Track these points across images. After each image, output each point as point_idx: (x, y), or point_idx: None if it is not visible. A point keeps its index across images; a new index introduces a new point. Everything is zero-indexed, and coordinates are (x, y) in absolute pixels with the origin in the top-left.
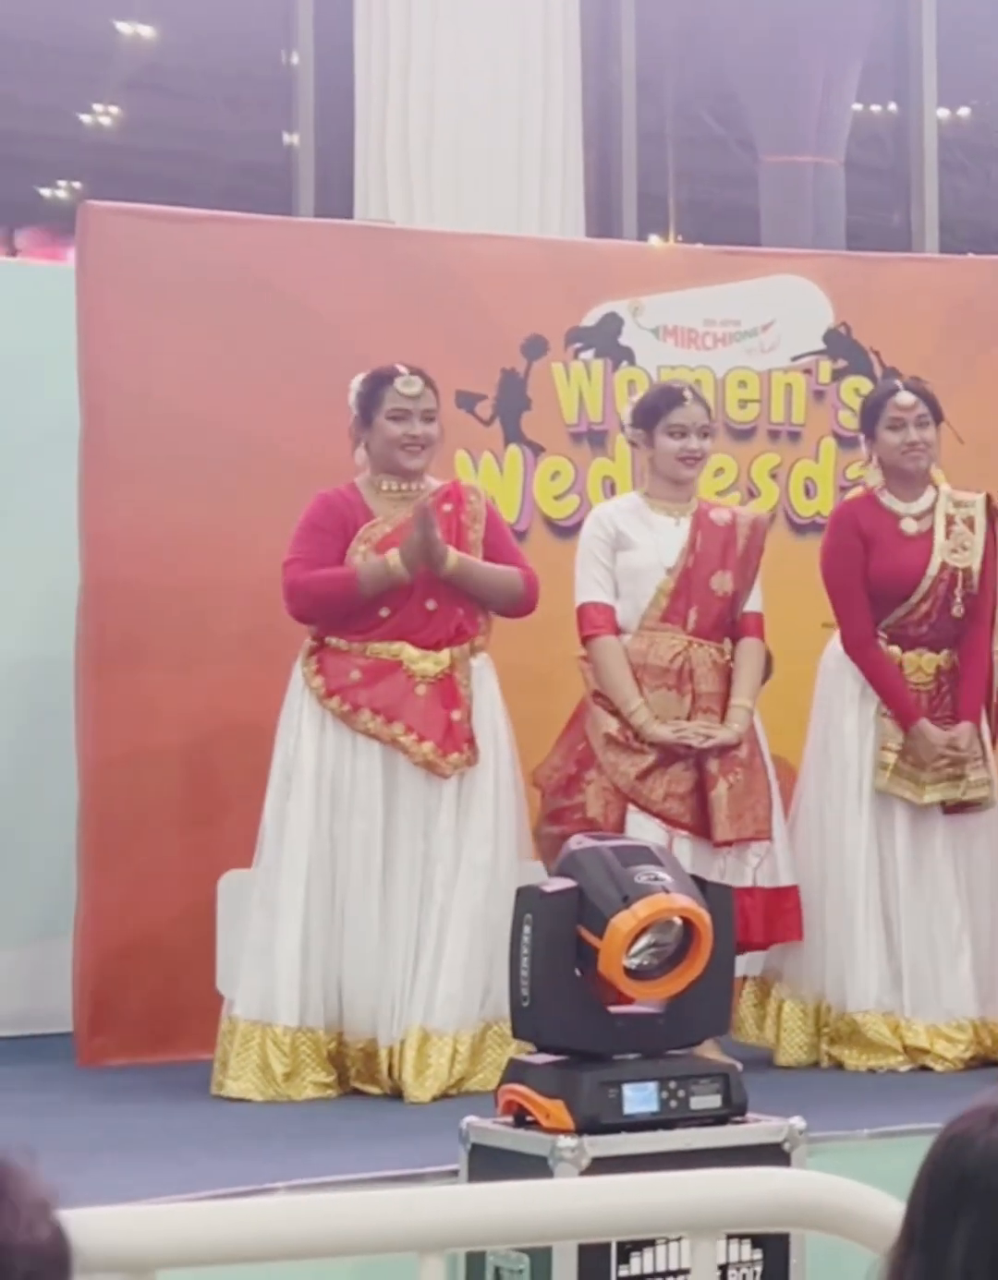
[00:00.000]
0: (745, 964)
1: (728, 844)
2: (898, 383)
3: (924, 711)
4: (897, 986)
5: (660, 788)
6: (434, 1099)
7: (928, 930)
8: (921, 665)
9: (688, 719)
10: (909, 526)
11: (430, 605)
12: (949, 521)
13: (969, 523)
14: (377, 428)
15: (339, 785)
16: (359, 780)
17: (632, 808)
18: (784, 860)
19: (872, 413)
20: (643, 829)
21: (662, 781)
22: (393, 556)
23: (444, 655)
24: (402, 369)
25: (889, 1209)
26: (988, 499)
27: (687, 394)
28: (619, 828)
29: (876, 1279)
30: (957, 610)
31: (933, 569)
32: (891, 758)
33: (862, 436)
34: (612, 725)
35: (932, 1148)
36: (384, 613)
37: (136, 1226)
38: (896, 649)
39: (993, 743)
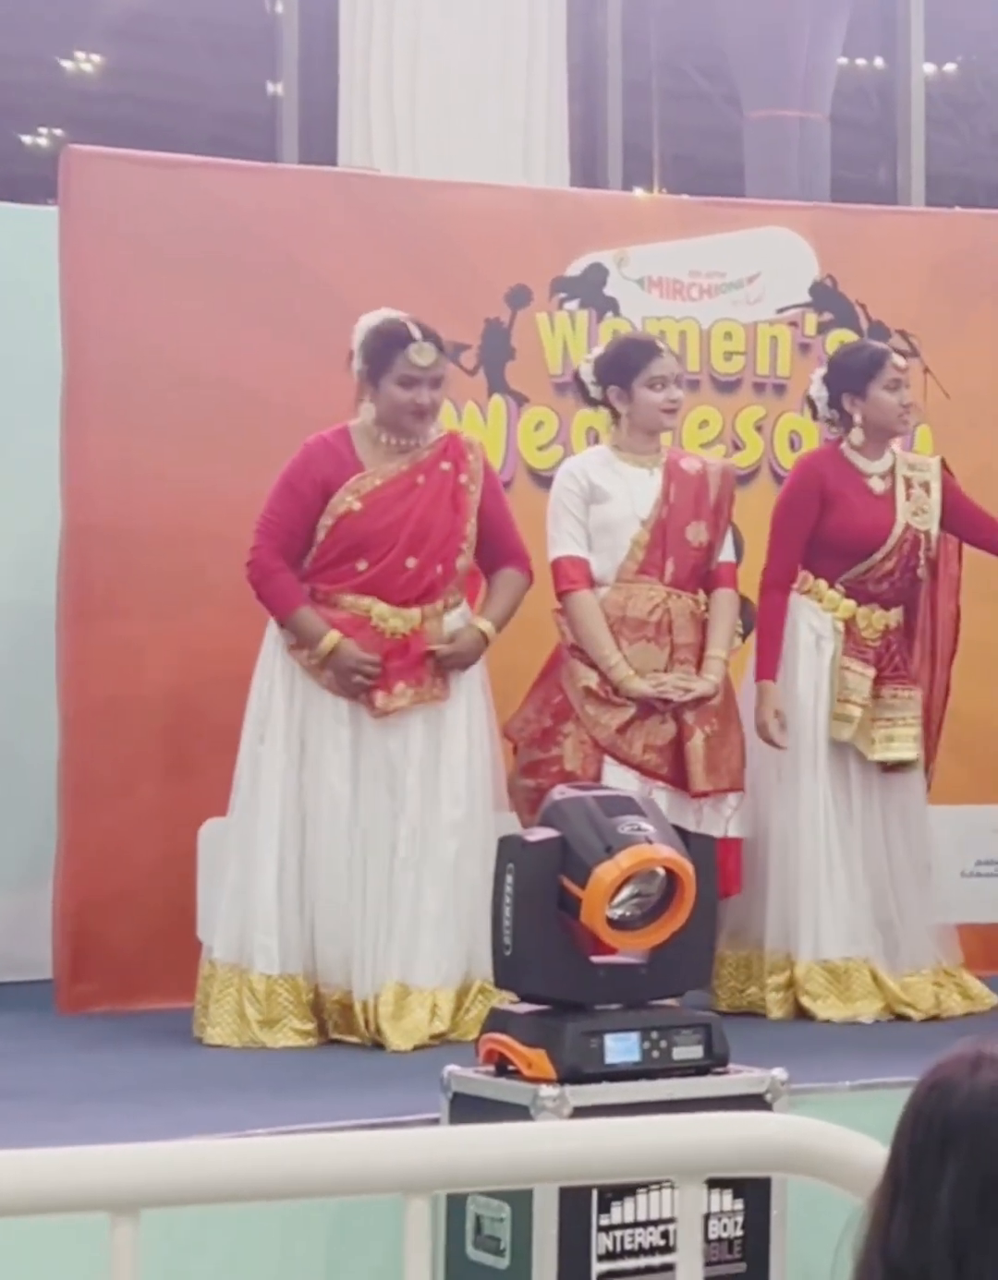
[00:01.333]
0: None
1: (704, 795)
2: (885, 344)
3: (875, 668)
4: (867, 935)
5: (640, 740)
6: (416, 1049)
7: (890, 879)
8: (872, 621)
9: (666, 671)
10: (877, 485)
11: (410, 563)
12: (908, 484)
13: (926, 486)
14: (384, 392)
15: (308, 737)
16: (326, 734)
17: (610, 760)
18: (744, 813)
19: (865, 371)
20: (621, 781)
21: (641, 734)
22: (330, 642)
23: (414, 613)
24: (415, 333)
25: (874, 1154)
26: (943, 463)
27: (660, 345)
28: (597, 780)
29: (858, 1226)
30: (921, 570)
31: (898, 529)
32: (855, 711)
33: (840, 394)
34: (591, 679)
35: (914, 1094)
36: (362, 566)
37: (123, 1165)
38: (850, 602)
39: (946, 700)
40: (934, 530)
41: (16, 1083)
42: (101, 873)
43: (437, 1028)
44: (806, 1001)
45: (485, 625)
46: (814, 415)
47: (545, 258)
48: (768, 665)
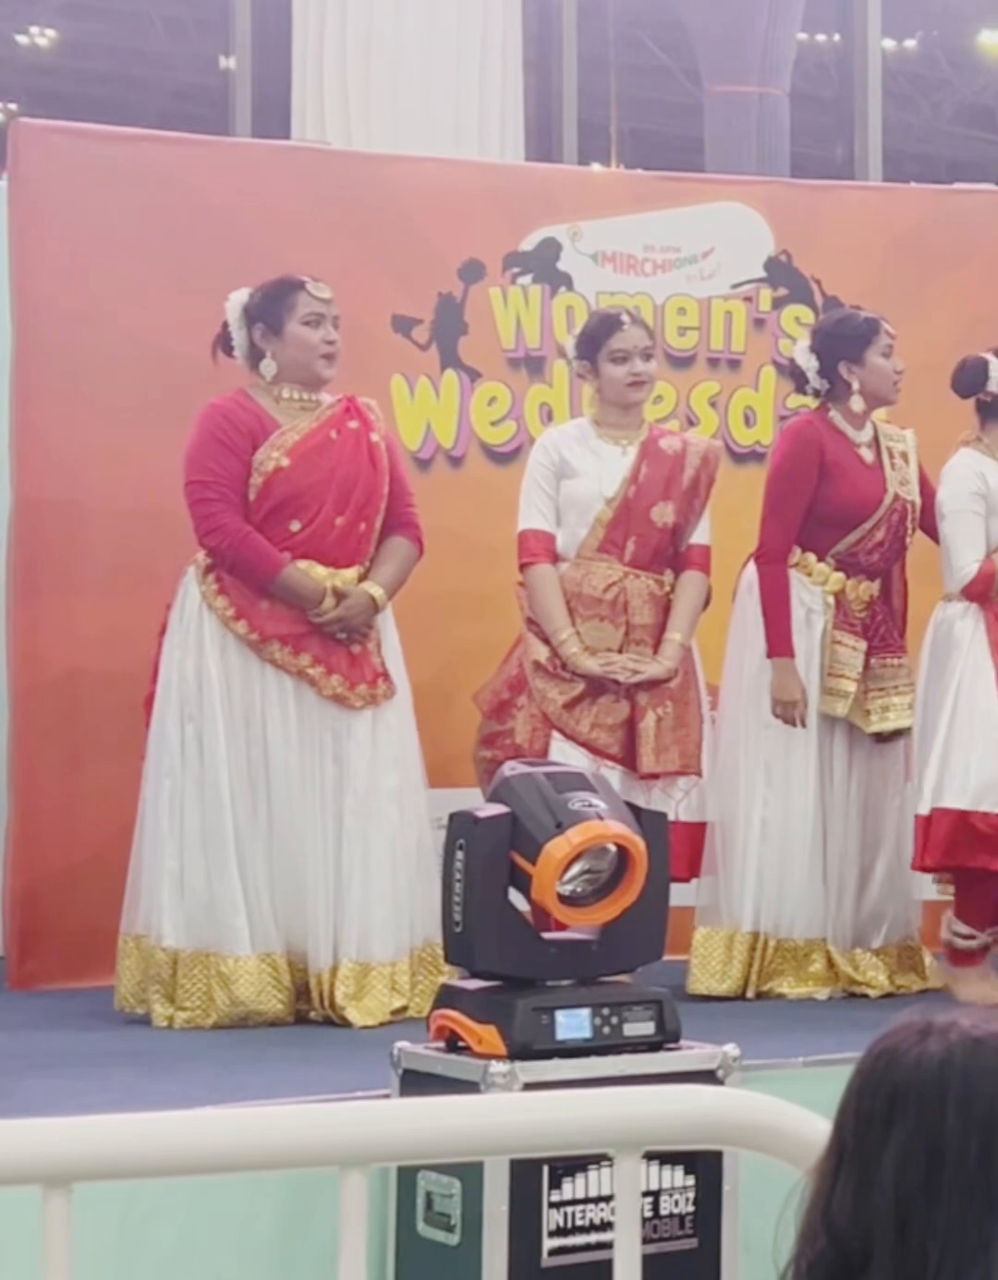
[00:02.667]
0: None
1: (653, 777)
2: (865, 312)
3: (866, 642)
4: (836, 915)
5: (588, 718)
6: (381, 1025)
7: (871, 857)
8: (859, 594)
9: (620, 650)
10: (866, 454)
11: (339, 521)
12: (890, 453)
13: (904, 457)
14: (290, 336)
15: (251, 711)
16: (271, 705)
17: (557, 736)
18: (704, 795)
19: (862, 337)
20: (569, 758)
21: (589, 712)
22: (332, 602)
23: (350, 573)
24: (304, 277)
25: (815, 1127)
26: (914, 435)
27: (624, 318)
28: (544, 755)
29: (801, 1195)
30: (908, 539)
31: (888, 498)
32: (850, 686)
33: (836, 362)
34: (542, 653)
35: (861, 1062)
36: (295, 527)
37: (52, 1137)
38: (840, 575)
39: None
40: (917, 500)
41: None
42: (51, 850)
43: (396, 1003)
44: (765, 983)
45: (375, 589)
46: (800, 386)
47: (499, 232)
48: (782, 641)
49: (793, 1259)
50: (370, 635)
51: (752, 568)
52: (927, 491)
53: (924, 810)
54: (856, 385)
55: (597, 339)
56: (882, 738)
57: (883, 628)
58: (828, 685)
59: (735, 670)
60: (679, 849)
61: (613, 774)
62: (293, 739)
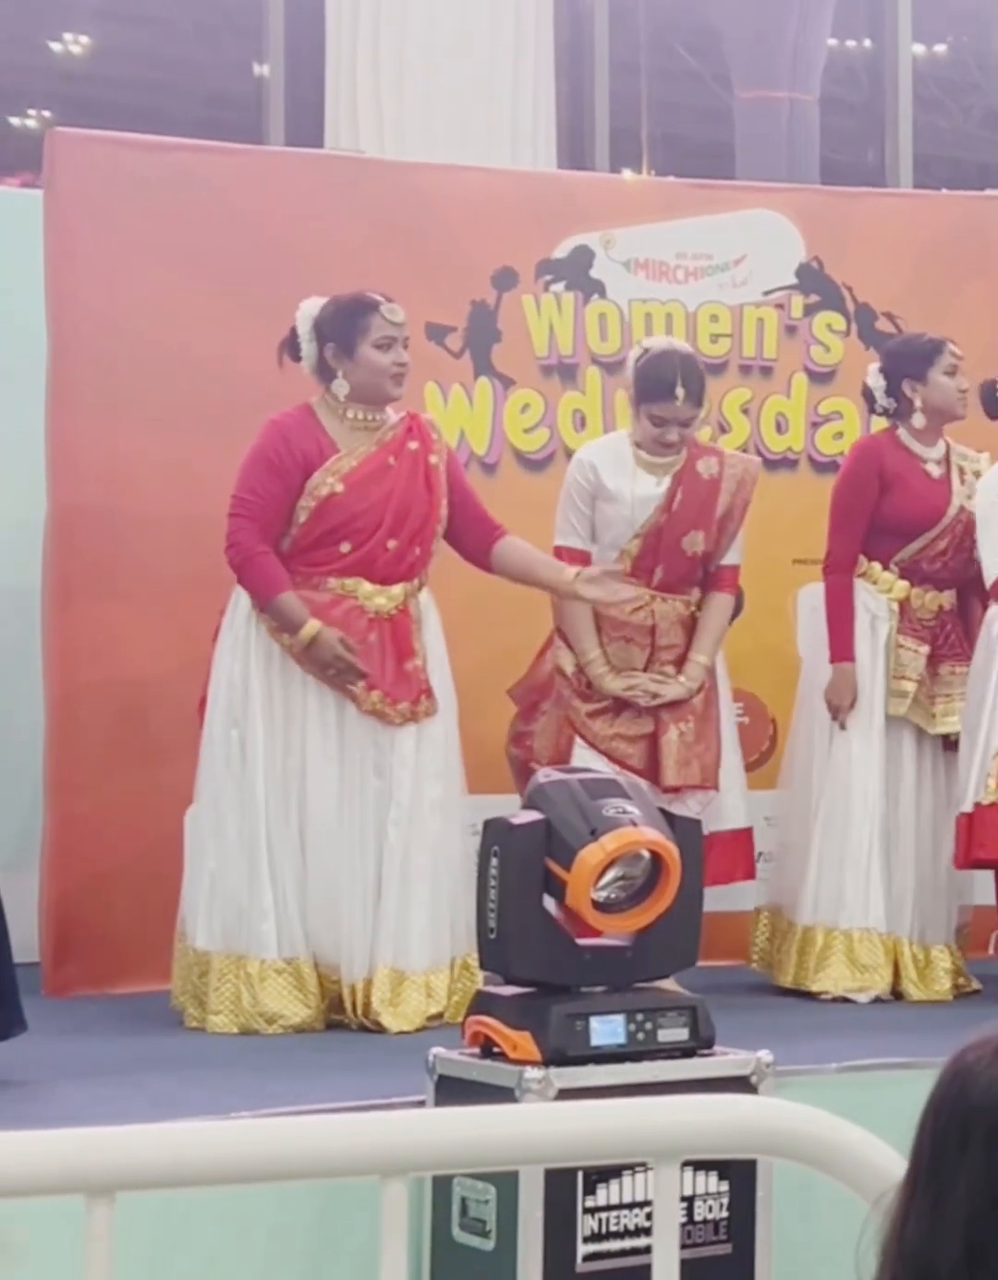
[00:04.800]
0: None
1: (675, 790)
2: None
3: (930, 646)
4: (895, 910)
5: (610, 729)
6: (417, 1031)
7: (931, 857)
8: (925, 602)
9: (645, 669)
10: (933, 470)
11: (391, 545)
12: (961, 471)
13: (977, 474)
14: (362, 358)
15: (292, 720)
16: (310, 717)
17: (579, 742)
18: (737, 802)
19: (926, 357)
20: (588, 764)
21: (613, 724)
22: (309, 631)
23: (397, 590)
24: (379, 297)
25: (853, 1137)
26: (991, 458)
27: (679, 391)
28: (565, 760)
29: (880, 1214)
30: (977, 554)
31: (953, 509)
32: (909, 686)
33: (899, 381)
34: (569, 665)
35: (938, 1081)
36: (345, 548)
37: (96, 1147)
38: (904, 583)
39: None
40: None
41: (1, 1066)
42: (87, 856)
43: (432, 1010)
44: (817, 975)
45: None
46: (872, 406)
47: (531, 240)
48: (843, 646)
49: (874, 1274)
50: (411, 639)
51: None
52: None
53: (967, 807)
54: (918, 403)
55: (644, 393)
56: (950, 744)
57: (952, 635)
58: (892, 687)
59: (813, 675)
60: (711, 859)
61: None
62: (333, 751)
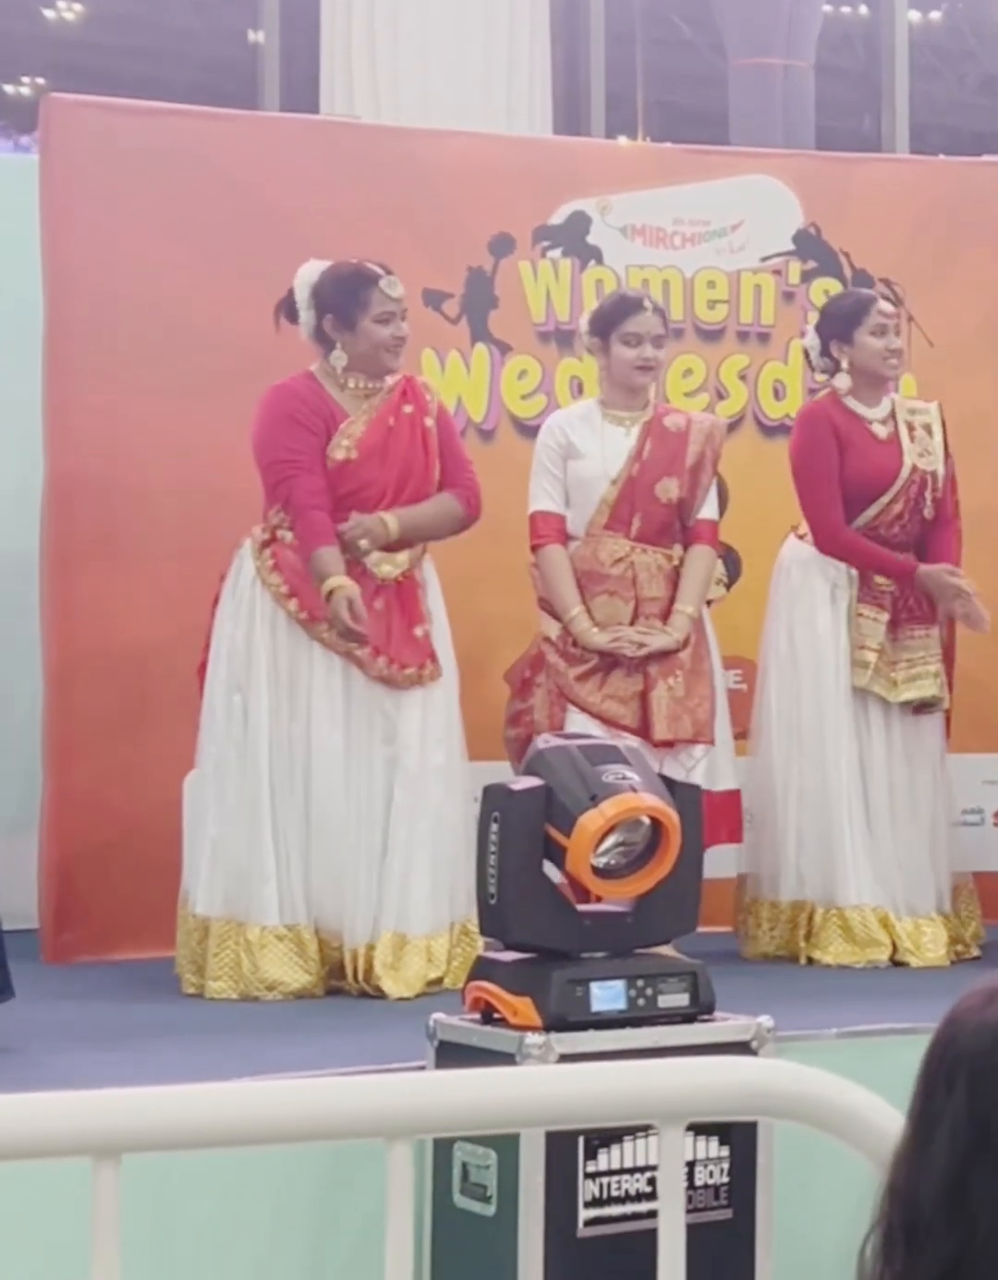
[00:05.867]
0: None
1: (667, 744)
2: (872, 290)
3: (890, 613)
4: (882, 882)
5: (600, 691)
6: (418, 996)
7: (910, 826)
8: None
9: (631, 623)
10: (879, 430)
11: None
12: (909, 428)
13: (927, 429)
14: (362, 331)
15: (297, 686)
16: (316, 683)
17: (571, 709)
18: (726, 764)
19: (851, 317)
20: (584, 730)
21: (602, 685)
22: (330, 584)
23: (402, 557)
24: (378, 269)
25: (857, 1098)
26: (940, 408)
27: (646, 303)
28: (560, 730)
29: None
30: (927, 512)
31: (906, 470)
32: (871, 656)
33: (828, 342)
34: (553, 630)
35: (938, 1026)
36: (354, 516)
37: (102, 1110)
38: None
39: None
40: (940, 470)
41: (1, 1032)
42: (87, 823)
43: (433, 974)
44: (814, 951)
45: (390, 517)
46: (811, 365)
47: (528, 206)
48: (904, 567)
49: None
50: (418, 604)
51: (793, 547)
52: (953, 461)
53: None
54: (844, 364)
55: (612, 319)
56: (914, 709)
57: (911, 600)
58: (854, 657)
59: (774, 643)
60: (730, 815)
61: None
62: (339, 718)
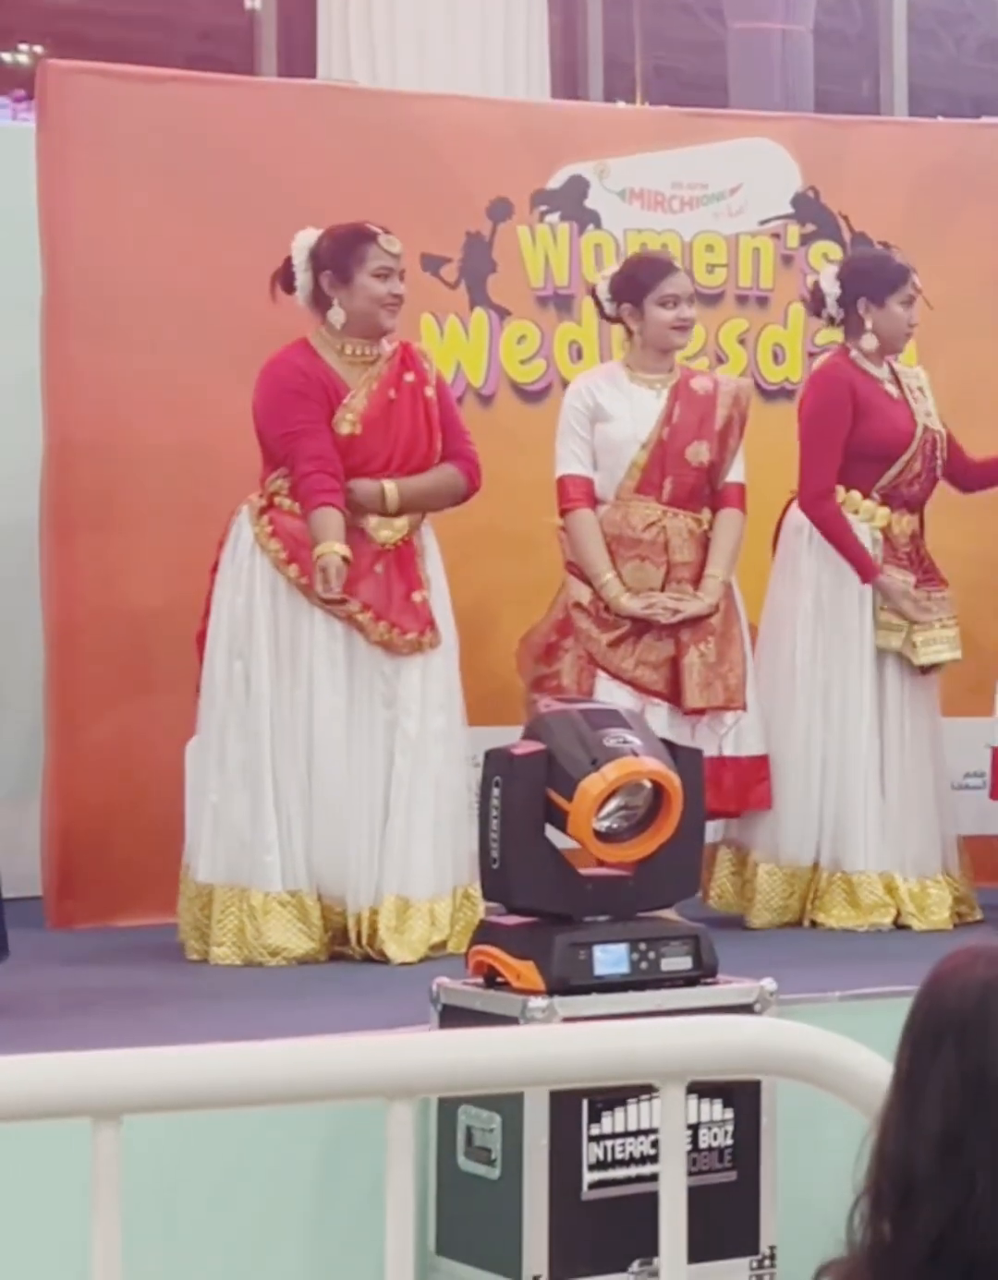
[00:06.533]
0: (712, 831)
1: (699, 712)
2: (900, 258)
3: (912, 572)
4: (890, 844)
5: (632, 656)
6: (421, 961)
7: (918, 784)
8: (903, 528)
9: (662, 589)
10: (892, 391)
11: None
12: (908, 389)
13: (921, 391)
14: (359, 287)
15: (298, 652)
16: (317, 649)
17: (602, 675)
18: (755, 729)
19: (890, 283)
20: (613, 696)
21: (634, 650)
22: (322, 548)
23: (401, 523)
24: (376, 228)
25: (859, 1057)
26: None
27: (676, 264)
28: (590, 695)
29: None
30: (939, 471)
31: (920, 430)
32: (899, 619)
33: (856, 298)
34: (585, 595)
35: (919, 989)
36: (351, 485)
37: (102, 1071)
38: (885, 510)
39: None
40: (943, 430)
41: (5, 998)
42: (89, 789)
43: (436, 938)
44: (818, 914)
45: (390, 486)
46: (817, 310)
47: (526, 170)
48: (867, 564)
49: (859, 1189)
50: (417, 570)
51: (796, 510)
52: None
53: None
54: (869, 325)
55: (645, 283)
56: (925, 670)
57: (926, 560)
58: (881, 620)
59: (778, 609)
60: (725, 784)
61: (659, 710)
62: (341, 683)
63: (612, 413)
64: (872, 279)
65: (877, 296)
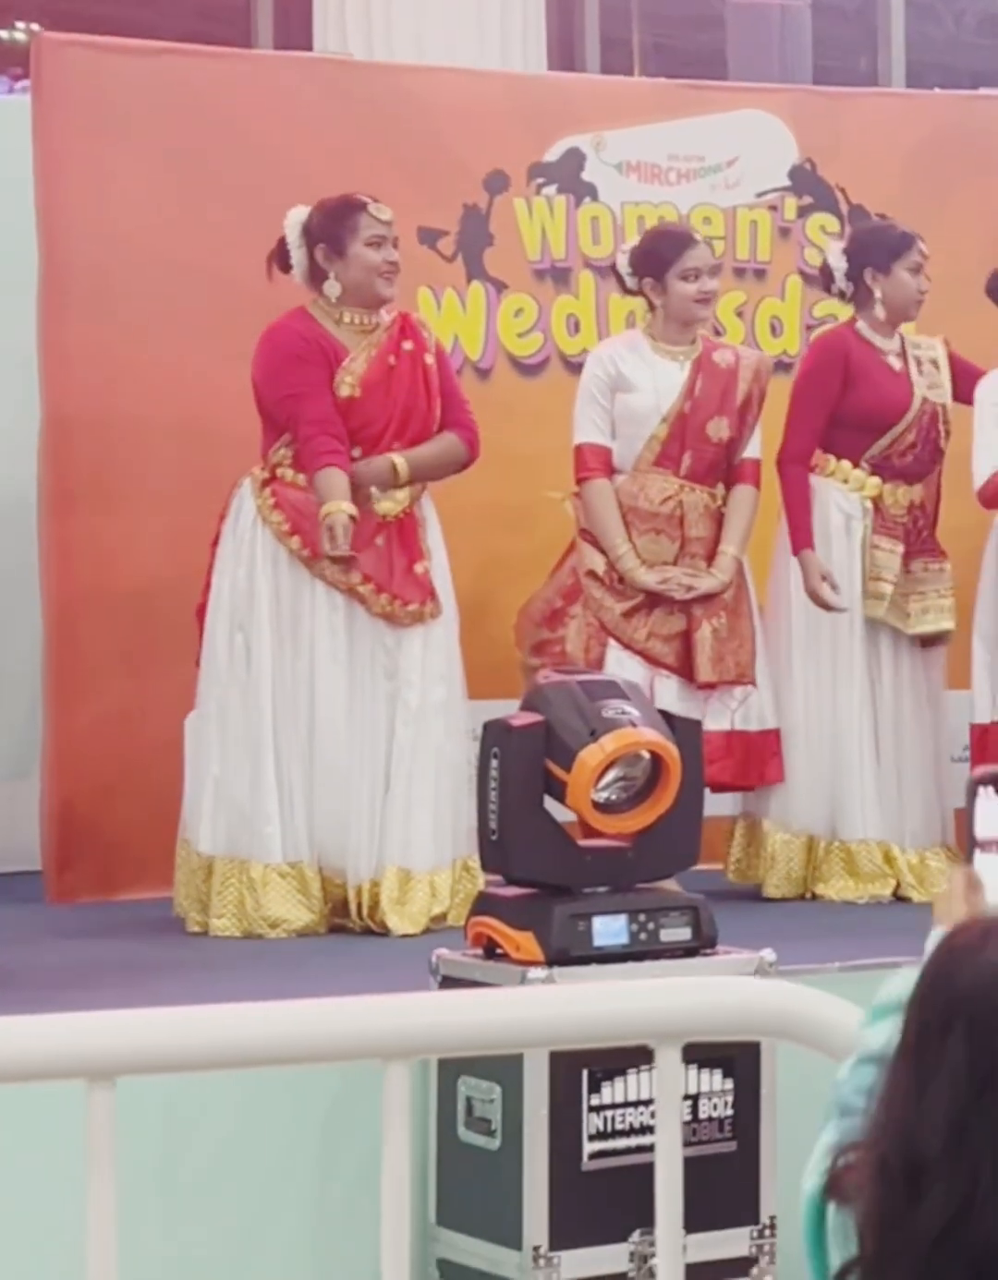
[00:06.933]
0: (729, 804)
1: (710, 686)
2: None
3: (903, 544)
4: (887, 815)
5: (644, 628)
6: (423, 932)
7: (916, 757)
8: (897, 498)
9: (675, 563)
10: (894, 363)
11: (397, 449)
12: (918, 362)
13: (934, 363)
14: (353, 257)
15: (300, 624)
16: (319, 621)
17: (614, 644)
18: (768, 703)
19: (895, 250)
20: (624, 667)
21: (646, 622)
22: (329, 507)
23: (402, 494)
24: (365, 198)
25: (854, 1017)
26: (945, 342)
27: (696, 236)
28: (599, 665)
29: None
30: (942, 444)
31: (917, 401)
32: (886, 588)
33: (863, 268)
34: (599, 564)
35: (925, 966)
36: (357, 454)
37: (96, 1031)
38: (876, 480)
39: None
40: (949, 403)
41: (5, 972)
42: (88, 764)
43: (436, 909)
44: (817, 885)
45: (400, 460)
46: (827, 285)
47: (523, 143)
48: (803, 536)
49: (854, 1157)
50: (419, 542)
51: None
52: (971, 375)
53: (983, 719)
54: (878, 294)
55: (666, 256)
56: (924, 641)
57: (924, 532)
58: (868, 589)
59: (782, 583)
60: (733, 758)
61: (670, 683)
62: (342, 655)
63: (634, 383)
64: (876, 248)
65: (882, 264)
